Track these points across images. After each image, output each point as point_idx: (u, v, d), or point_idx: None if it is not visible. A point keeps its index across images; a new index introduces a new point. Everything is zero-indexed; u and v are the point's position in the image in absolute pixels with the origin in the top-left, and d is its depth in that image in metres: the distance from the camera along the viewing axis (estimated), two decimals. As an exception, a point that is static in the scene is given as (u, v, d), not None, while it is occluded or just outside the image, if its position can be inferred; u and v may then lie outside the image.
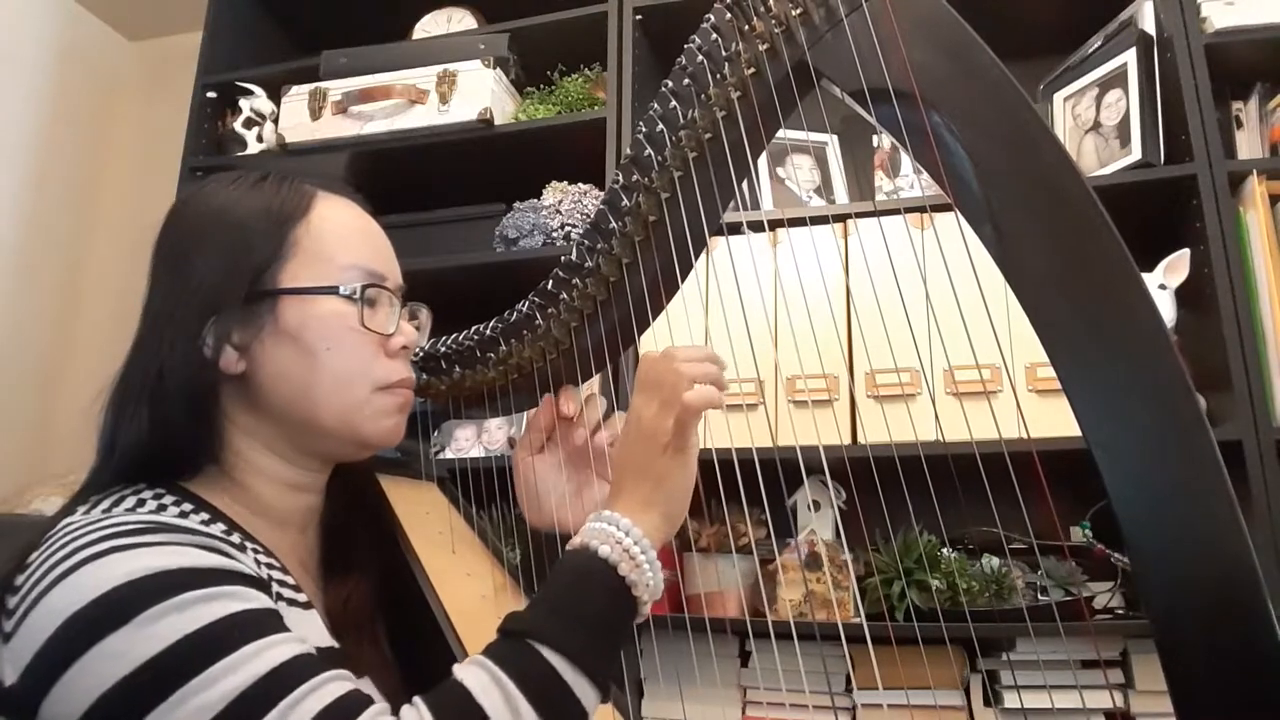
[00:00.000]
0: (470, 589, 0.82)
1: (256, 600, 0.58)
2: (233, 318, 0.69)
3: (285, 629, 0.58)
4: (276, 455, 0.73)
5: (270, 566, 0.66)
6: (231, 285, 0.69)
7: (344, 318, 0.71)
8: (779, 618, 1.49)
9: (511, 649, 0.60)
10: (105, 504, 0.64)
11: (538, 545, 0.88)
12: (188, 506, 0.65)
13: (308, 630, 0.64)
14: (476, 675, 0.58)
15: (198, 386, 0.68)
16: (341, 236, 0.74)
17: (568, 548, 0.66)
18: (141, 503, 0.64)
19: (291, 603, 0.65)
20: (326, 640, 0.67)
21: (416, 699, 0.57)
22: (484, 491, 1.01)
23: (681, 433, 0.68)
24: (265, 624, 0.57)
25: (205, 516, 0.65)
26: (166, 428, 0.67)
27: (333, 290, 0.71)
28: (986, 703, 1.45)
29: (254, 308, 0.69)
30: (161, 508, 0.64)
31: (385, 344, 0.74)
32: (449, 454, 1.77)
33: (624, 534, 0.65)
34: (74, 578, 0.55)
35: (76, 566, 0.56)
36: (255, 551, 0.66)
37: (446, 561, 0.82)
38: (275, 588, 0.64)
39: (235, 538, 0.64)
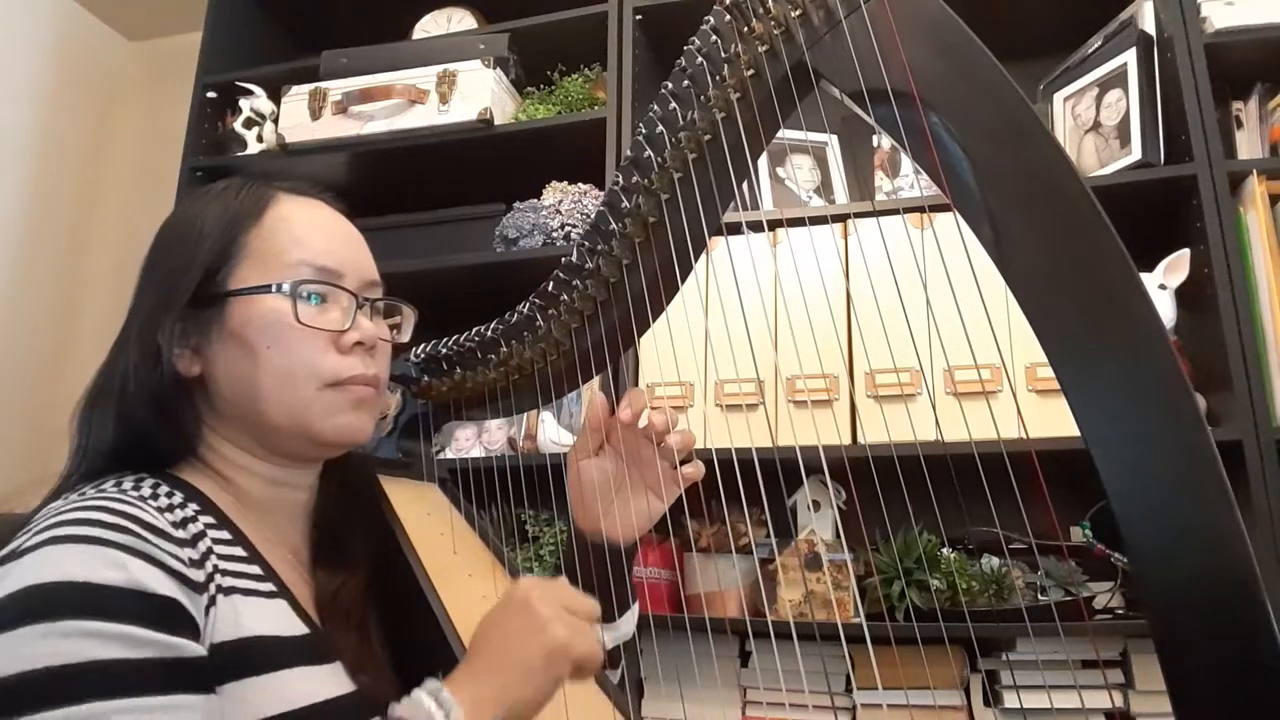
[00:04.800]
0: (472, 589, 0.82)
1: (150, 647, 0.56)
2: (186, 320, 0.71)
3: (170, 689, 0.56)
4: (247, 453, 0.74)
5: (229, 558, 0.66)
6: (182, 289, 0.71)
7: (283, 315, 0.71)
8: (779, 618, 1.49)
9: None
10: (84, 487, 0.66)
11: (583, 552, 0.87)
12: (164, 489, 0.66)
13: (269, 618, 0.65)
14: None
15: (158, 388, 0.70)
16: (293, 235, 0.74)
17: (390, 711, 0.60)
18: (119, 484, 0.66)
19: (250, 593, 0.65)
20: (295, 628, 0.67)
21: None
22: (485, 492, 1.01)
23: (570, 648, 0.64)
24: (135, 684, 0.55)
25: (180, 497, 0.66)
26: (132, 427, 0.69)
27: (269, 288, 0.71)
28: (986, 703, 1.45)
29: (204, 311, 0.71)
30: (137, 488, 0.66)
31: (336, 340, 0.73)
32: (449, 454, 1.78)
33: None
34: (14, 565, 0.57)
35: (22, 554, 0.57)
36: (218, 541, 0.66)
37: (448, 562, 0.82)
38: (226, 580, 0.64)
39: (193, 527, 0.65)
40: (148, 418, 0.69)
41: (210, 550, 0.65)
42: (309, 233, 0.75)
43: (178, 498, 0.66)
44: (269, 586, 0.68)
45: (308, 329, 0.71)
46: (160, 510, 0.64)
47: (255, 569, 0.68)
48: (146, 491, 0.66)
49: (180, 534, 0.63)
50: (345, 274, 0.75)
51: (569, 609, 0.65)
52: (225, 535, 0.68)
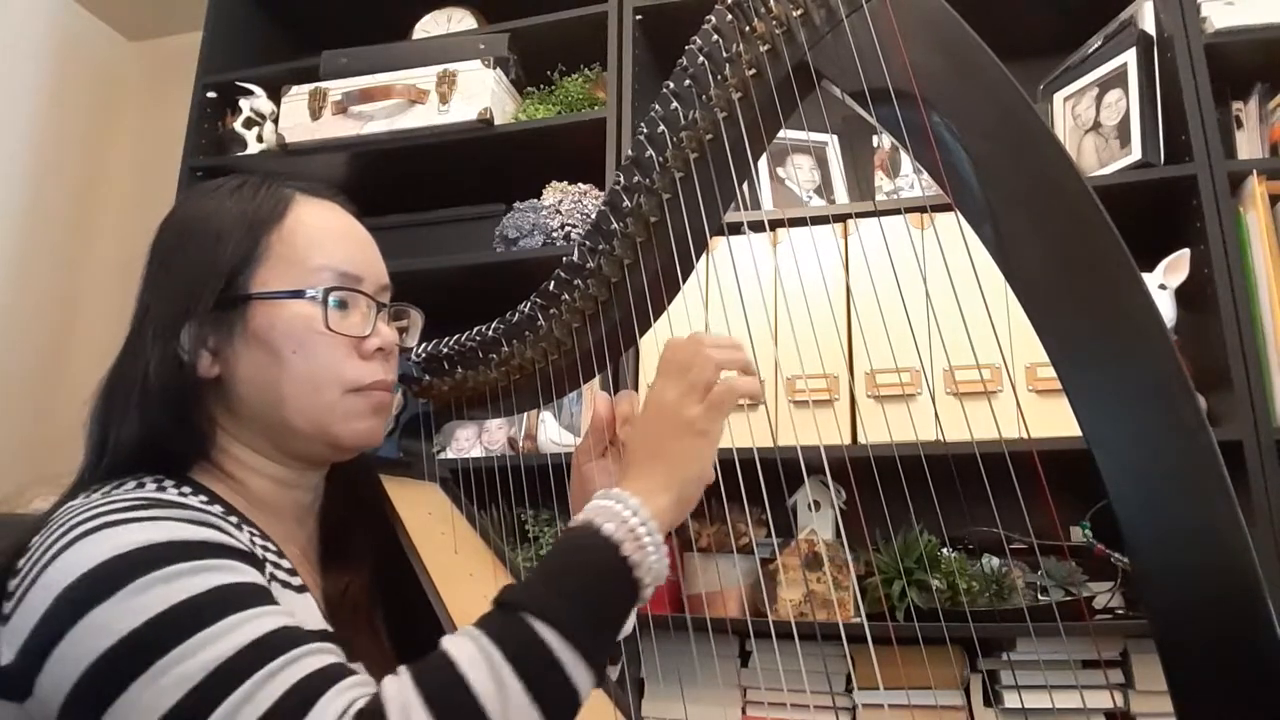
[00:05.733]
0: (473, 589, 0.82)
1: (246, 574, 0.59)
2: (206, 322, 0.70)
3: (273, 602, 0.59)
4: (261, 455, 0.74)
5: (266, 549, 0.67)
6: (204, 290, 0.70)
7: (310, 320, 0.71)
8: (779, 618, 1.49)
9: (502, 620, 0.57)
10: (106, 488, 0.65)
11: None
12: (188, 490, 0.66)
13: (301, 612, 0.65)
14: (464, 646, 0.55)
15: (177, 389, 0.69)
16: (315, 239, 0.74)
17: (571, 523, 0.64)
18: (141, 485, 0.66)
19: (285, 584, 0.66)
20: (320, 624, 0.67)
21: (401, 668, 0.56)
22: (485, 492, 1.01)
23: (711, 418, 0.69)
24: (252, 596, 0.57)
25: (205, 498, 0.66)
26: (154, 428, 0.68)
27: (299, 294, 0.71)
28: (987, 703, 1.45)
29: (226, 313, 0.70)
30: (161, 489, 0.65)
31: (359, 346, 0.74)
32: (449, 454, 1.78)
33: (631, 513, 0.63)
34: (68, 554, 0.56)
35: (71, 543, 0.57)
36: (252, 534, 0.67)
37: (449, 561, 0.82)
38: (269, 568, 0.65)
39: (233, 519, 0.65)
40: (167, 420, 0.69)
41: (253, 539, 0.66)
42: (330, 237, 0.75)
43: (203, 498, 0.66)
44: (298, 581, 0.69)
45: (333, 335, 0.72)
46: (203, 504, 0.64)
47: (286, 563, 0.69)
48: (174, 493, 0.65)
49: (230, 519, 0.64)
50: (364, 278, 0.76)
51: (691, 382, 0.69)
52: (254, 529, 0.68)
